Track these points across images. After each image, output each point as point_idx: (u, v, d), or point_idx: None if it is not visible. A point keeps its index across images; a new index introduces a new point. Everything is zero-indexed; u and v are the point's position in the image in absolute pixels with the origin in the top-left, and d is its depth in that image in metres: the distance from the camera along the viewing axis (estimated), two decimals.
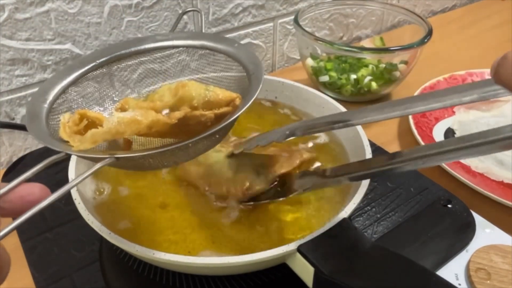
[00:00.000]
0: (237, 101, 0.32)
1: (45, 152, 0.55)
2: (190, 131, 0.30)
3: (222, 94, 0.32)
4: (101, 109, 0.38)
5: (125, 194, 0.44)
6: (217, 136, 0.34)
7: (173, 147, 0.29)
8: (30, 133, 0.30)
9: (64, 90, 0.36)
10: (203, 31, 0.42)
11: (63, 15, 0.55)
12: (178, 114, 0.29)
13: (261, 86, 0.33)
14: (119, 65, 0.39)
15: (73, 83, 0.37)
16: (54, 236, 0.45)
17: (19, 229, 0.45)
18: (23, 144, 0.59)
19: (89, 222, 0.36)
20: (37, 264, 0.42)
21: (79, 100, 0.37)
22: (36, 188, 0.26)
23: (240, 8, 0.69)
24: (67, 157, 0.29)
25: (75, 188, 0.39)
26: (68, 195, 0.38)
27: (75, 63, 0.38)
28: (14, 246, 0.44)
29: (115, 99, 0.39)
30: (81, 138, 0.28)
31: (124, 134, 0.28)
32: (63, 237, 0.44)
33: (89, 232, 0.35)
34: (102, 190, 0.44)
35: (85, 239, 0.44)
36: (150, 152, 0.29)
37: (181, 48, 0.40)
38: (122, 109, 0.32)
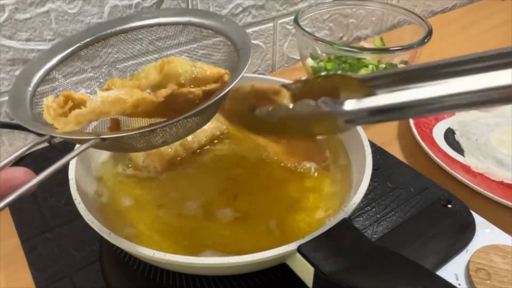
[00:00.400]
0: (226, 77, 0.31)
1: (45, 152, 0.55)
2: (179, 110, 0.29)
3: (209, 70, 0.30)
4: (88, 91, 0.37)
5: (124, 196, 0.44)
6: (206, 113, 0.32)
7: (160, 125, 0.28)
8: (13, 117, 0.29)
9: (48, 72, 0.34)
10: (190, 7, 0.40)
11: (63, 15, 0.55)
12: (164, 92, 0.28)
13: (249, 61, 0.31)
14: (104, 45, 0.38)
15: (58, 64, 0.35)
16: (54, 236, 0.45)
17: (19, 229, 0.45)
18: (23, 144, 0.59)
19: (89, 222, 0.36)
20: (37, 264, 0.42)
21: (65, 82, 0.36)
22: (20, 172, 0.25)
23: (240, 8, 0.69)
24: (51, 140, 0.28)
25: (75, 188, 0.39)
26: (68, 194, 0.38)
27: (60, 44, 0.37)
28: (14, 246, 0.44)
29: (101, 80, 0.38)
30: (65, 120, 0.27)
31: (109, 113, 0.27)
32: (63, 237, 0.44)
33: (89, 232, 0.35)
34: (100, 193, 0.44)
35: (85, 239, 0.44)
36: (136, 132, 0.28)
37: (168, 26, 0.38)
38: (109, 90, 0.31)
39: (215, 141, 0.50)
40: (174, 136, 0.31)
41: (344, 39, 0.85)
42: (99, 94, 0.27)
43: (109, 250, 0.43)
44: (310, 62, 0.68)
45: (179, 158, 0.47)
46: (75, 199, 0.38)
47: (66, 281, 0.40)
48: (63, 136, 0.28)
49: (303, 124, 0.35)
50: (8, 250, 0.44)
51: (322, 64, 0.67)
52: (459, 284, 0.39)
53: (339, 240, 0.34)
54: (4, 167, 0.25)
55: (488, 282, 0.39)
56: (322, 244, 0.34)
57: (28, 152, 0.28)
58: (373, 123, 0.33)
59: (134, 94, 0.27)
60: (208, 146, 0.50)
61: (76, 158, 0.42)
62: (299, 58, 0.76)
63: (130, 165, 0.47)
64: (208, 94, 0.30)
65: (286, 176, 0.46)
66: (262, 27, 0.74)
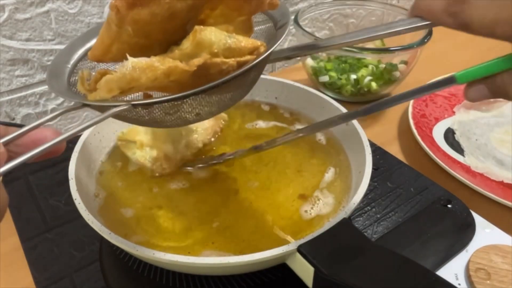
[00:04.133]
0: (261, 49, 0.29)
1: None
2: (212, 82, 0.28)
3: (245, 41, 0.29)
4: None
5: (124, 196, 0.44)
6: (241, 84, 0.31)
7: (193, 92, 0.27)
8: (49, 88, 0.30)
9: (87, 53, 0.33)
10: None
11: (63, 15, 0.55)
12: (197, 61, 0.27)
13: (287, 31, 0.31)
14: None
15: None
16: (54, 236, 0.45)
17: (19, 229, 0.45)
18: None
19: (89, 222, 0.36)
20: (37, 264, 0.42)
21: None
22: (49, 132, 0.26)
23: None
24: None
25: (75, 188, 0.38)
26: (68, 194, 0.38)
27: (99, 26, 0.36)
28: (14, 246, 0.44)
29: None
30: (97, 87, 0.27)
31: (139, 80, 0.26)
32: (63, 237, 0.44)
33: (89, 232, 0.35)
34: (100, 193, 0.44)
35: (85, 239, 0.44)
36: (168, 98, 0.27)
37: None
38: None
39: (216, 135, 0.51)
40: (210, 106, 0.30)
41: None
42: (130, 60, 0.26)
43: (109, 250, 0.43)
44: (310, 62, 0.68)
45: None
46: (75, 199, 0.38)
47: (66, 281, 0.40)
48: (94, 103, 0.27)
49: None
50: (8, 250, 0.44)
51: (322, 64, 0.67)
52: (459, 284, 0.39)
53: (339, 240, 0.34)
54: (35, 127, 0.26)
55: (488, 282, 0.39)
56: (322, 244, 0.34)
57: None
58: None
59: (166, 62, 0.26)
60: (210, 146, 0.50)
61: (76, 158, 0.42)
62: (299, 58, 0.76)
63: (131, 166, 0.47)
64: (243, 66, 0.28)
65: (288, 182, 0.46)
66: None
